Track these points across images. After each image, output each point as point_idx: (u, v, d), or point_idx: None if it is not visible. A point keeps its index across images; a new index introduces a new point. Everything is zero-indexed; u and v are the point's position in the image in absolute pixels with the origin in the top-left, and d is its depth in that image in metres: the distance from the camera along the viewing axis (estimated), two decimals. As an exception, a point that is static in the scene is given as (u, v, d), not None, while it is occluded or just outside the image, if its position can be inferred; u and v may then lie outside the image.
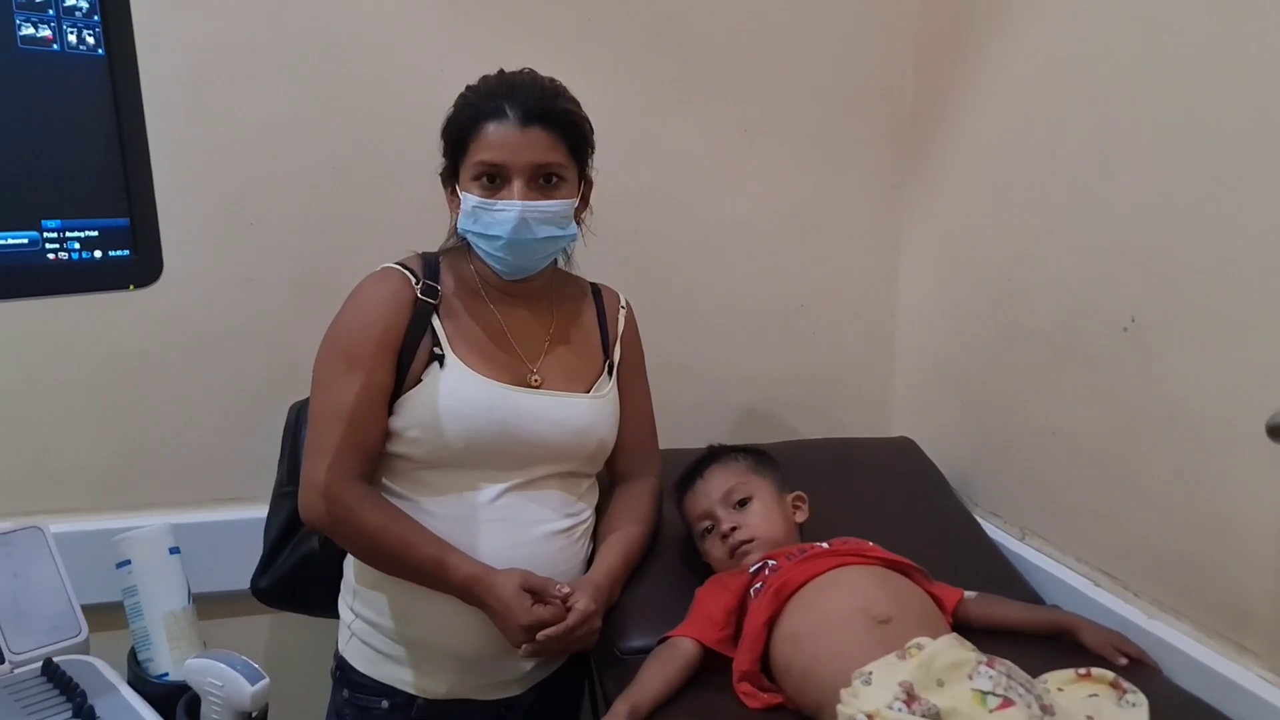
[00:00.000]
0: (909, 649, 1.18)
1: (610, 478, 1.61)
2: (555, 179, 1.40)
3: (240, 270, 1.79)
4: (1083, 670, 1.28)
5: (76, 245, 0.91)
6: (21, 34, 0.84)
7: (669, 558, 1.60)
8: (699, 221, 2.01)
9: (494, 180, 1.39)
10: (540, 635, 1.32)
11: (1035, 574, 1.67)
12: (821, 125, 2.04)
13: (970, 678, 1.13)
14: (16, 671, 1.23)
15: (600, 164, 1.49)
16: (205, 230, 1.74)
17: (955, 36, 1.93)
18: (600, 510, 1.57)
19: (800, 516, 1.58)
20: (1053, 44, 1.64)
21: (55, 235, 0.90)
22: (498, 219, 1.38)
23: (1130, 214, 1.48)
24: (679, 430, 1.72)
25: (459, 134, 1.41)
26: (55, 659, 1.23)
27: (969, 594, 1.47)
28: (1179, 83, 1.38)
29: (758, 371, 2.10)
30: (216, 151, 1.74)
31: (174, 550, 1.50)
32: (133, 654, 1.48)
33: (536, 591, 1.35)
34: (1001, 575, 1.66)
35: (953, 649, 1.18)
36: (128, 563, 1.46)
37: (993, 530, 1.80)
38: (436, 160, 1.47)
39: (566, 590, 1.38)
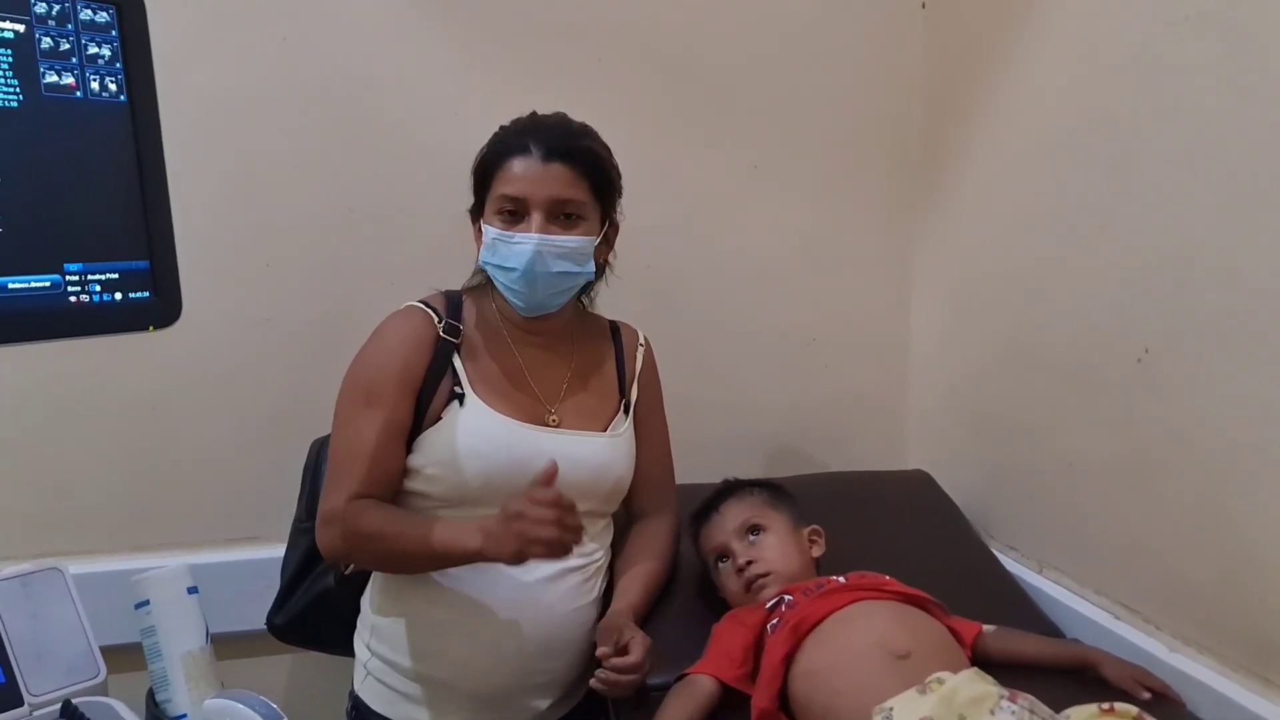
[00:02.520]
0: (930, 684, 1.17)
1: (628, 514, 1.61)
2: (575, 216, 1.42)
3: (258, 311, 1.80)
4: (1106, 705, 1.25)
5: (97, 287, 0.92)
6: (45, 82, 0.85)
7: (686, 594, 1.59)
8: (711, 258, 2.02)
9: (514, 213, 1.40)
10: (610, 665, 1.32)
11: (1054, 607, 1.66)
12: (830, 159, 2.06)
13: (992, 713, 1.12)
14: (35, 714, 1.22)
15: (614, 201, 1.51)
16: (224, 272, 1.76)
17: (962, 69, 1.94)
18: (618, 547, 1.57)
19: (816, 551, 1.57)
20: (1059, 75, 1.65)
21: (77, 278, 0.90)
22: (514, 251, 1.39)
23: (1141, 244, 1.48)
24: (694, 465, 1.72)
25: (486, 169, 1.44)
26: (74, 700, 1.23)
27: (987, 628, 1.45)
28: (1189, 110, 1.39)
29: (771, 406, 2.10)
30: (235, 194, 1.77)
31: (192, 590, 1.49)
32: (151, 695, 1.46)
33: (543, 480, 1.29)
34: (1020, 609, 1.65)
35: (974, 683, 1.17)
36: (146, 603, 1.45)
37: (1010, 563, 1.79)
38: (452, 201, 1.49)
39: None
